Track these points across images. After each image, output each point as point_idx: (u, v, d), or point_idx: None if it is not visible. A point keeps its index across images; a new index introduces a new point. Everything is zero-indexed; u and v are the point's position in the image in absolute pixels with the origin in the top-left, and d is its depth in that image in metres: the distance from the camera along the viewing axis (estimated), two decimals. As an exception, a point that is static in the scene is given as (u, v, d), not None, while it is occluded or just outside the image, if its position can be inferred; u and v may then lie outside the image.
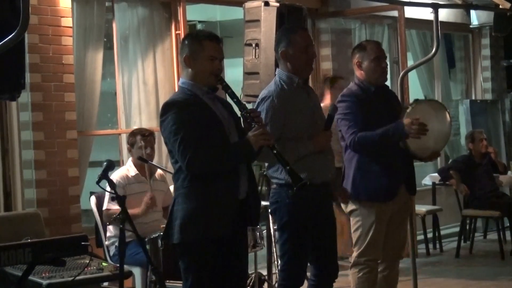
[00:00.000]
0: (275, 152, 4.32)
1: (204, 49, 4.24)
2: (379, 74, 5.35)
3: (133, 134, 6.41)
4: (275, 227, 6.51)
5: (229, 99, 4.41)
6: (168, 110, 4.19)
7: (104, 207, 6.15)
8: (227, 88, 4.28)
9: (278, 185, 4.87)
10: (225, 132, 4.23)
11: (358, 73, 5.38)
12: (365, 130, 5.20)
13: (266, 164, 4.96)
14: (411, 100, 6.84)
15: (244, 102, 4.42)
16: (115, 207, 5.99)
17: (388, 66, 5.52)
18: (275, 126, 4.76)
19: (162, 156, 7.53)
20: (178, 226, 4.19)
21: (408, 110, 5.34)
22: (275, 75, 5.03)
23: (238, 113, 4.37)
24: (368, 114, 5.25)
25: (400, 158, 5.33)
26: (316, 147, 4.83)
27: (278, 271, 5.00)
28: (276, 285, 4.94)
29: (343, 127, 5.24)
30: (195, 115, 4.15)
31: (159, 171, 6.50)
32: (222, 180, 4.18)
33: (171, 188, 6.41)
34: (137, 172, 6.29)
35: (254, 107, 4.94)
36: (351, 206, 5.37)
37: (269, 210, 6.39)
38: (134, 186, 6.22)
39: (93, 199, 6.28)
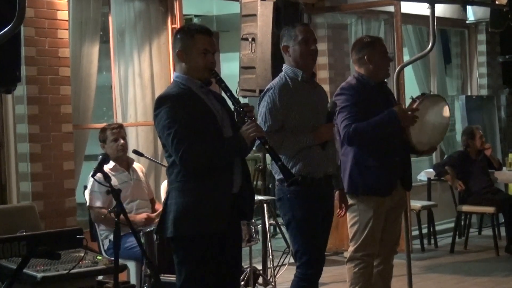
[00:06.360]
0: (267, 147, 4.33)
1: (196, 43, 4.23)
2: (387, 69, 5.39)
3: (103, 130, 6.40)
4: (270, 221, 6.52)
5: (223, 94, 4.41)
6: (162, 104, 4.18)
7: (93, 204, 6.14)
8: (220, 82, 4.27)
9: (279, 181, 4.88)
10: (219, 126, 4.22)
11: (363, 69, 5.35)
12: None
13: (270, 159, 4.96)
14: (406, 97, 6.84)
15: (238, 97, 4.41)
16: (98, 204, 6.06)
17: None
18: (274, 117, 4.80)
19: (157, 150, 7.53)
20: (171, 220, 4.18)
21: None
22: (282, 70, 5.04)
23: (232, 107, 4.37)
24: (367, 108, 5.23)
25: (397, 152, 5.33)
26: (317, 139, 4.85)
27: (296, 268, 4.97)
28: (296, 278, 4.92)
29: (339, 119, 5.23)
30: (189, 109, 4.14)
31: (136, 164, 6.50)
32: (216, 175, 4.17)
33: (165, 183, 6.41)
34: (114, 164, 6.26)
35: (258, 100, 4.96)
36: (348, 201, 5.35)
37: (265, 205, 6.42)
38: (113, 178, 6.13)
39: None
